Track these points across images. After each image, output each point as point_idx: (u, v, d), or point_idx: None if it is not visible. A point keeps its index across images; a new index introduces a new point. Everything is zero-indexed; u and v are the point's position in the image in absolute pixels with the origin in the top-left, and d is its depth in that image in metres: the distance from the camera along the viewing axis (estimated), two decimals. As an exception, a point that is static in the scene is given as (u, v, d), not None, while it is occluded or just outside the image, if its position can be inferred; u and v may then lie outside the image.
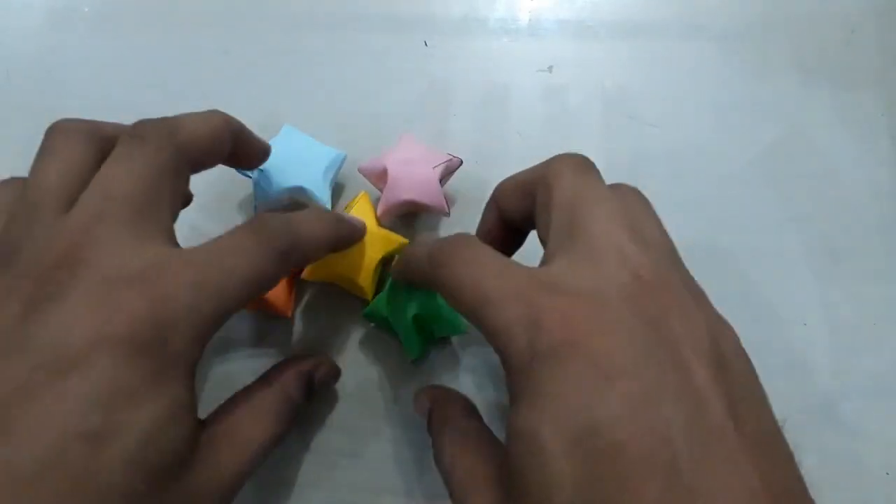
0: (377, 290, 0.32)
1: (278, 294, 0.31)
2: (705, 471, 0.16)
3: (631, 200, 0.23)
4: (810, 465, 0.32)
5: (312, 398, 0.28)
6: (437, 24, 0.40)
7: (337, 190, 0.36)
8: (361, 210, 0.32)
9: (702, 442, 0.17)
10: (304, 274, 0.31)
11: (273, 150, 0.33)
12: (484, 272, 0.20)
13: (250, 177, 0.33)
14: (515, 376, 0.19)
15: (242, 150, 0.27)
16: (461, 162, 0.34)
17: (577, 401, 0.17)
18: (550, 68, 0.39)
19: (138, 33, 0.40)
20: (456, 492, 0.22)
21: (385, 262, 0.32)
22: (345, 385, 0.32)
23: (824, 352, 0.33)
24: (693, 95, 0.38)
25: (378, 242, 0.31)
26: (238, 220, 0.35)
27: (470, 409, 0.26)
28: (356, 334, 0.33)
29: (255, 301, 0.30)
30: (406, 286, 0.29)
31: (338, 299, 0.33)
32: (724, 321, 0.21)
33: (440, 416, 0.26)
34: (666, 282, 0.20)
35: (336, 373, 0.30)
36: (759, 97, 0.38)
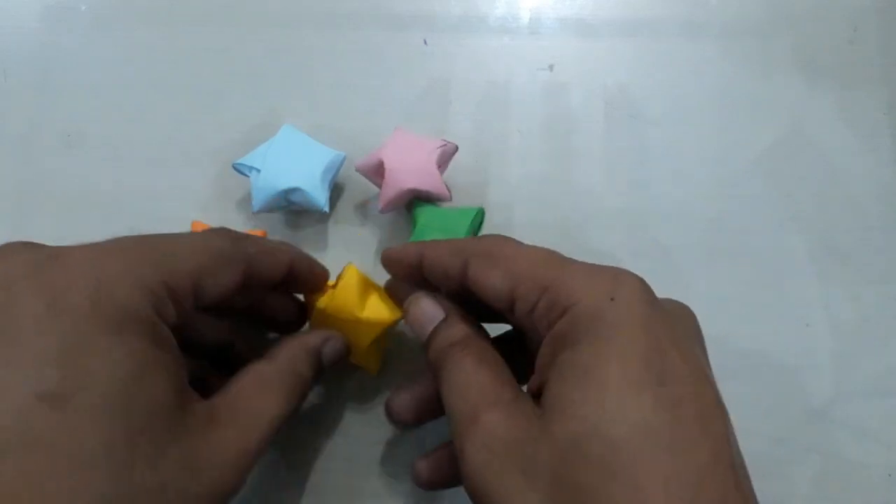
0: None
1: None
2: None
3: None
4: (813, 467, 0.32)
5: (321, 375, 0.26)
6: (437, 22, 0.40)
7: (336, 191, 0.35)
8: (347, 284, 0.28)
9: None
10: None
11: (271, 150, 0.33)
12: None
13: (248, 176, 0.33)
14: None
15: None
16: (456, 147, 0.34)
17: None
18: (551, 67, 0.39)
19: (135, 32, 0.40)
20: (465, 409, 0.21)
21: (383, 336, 0.29)
22: (343, 387, 0.32)
23: (827, 353, 0.33)
24: (695, 94, 0.38)
25: (368, 324, 0.28)
26: (236, 219, 0.35)
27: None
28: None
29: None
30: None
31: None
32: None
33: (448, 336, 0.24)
34: None
35: (345, 349, 0.27)
36: (761, 96, 0.38)
